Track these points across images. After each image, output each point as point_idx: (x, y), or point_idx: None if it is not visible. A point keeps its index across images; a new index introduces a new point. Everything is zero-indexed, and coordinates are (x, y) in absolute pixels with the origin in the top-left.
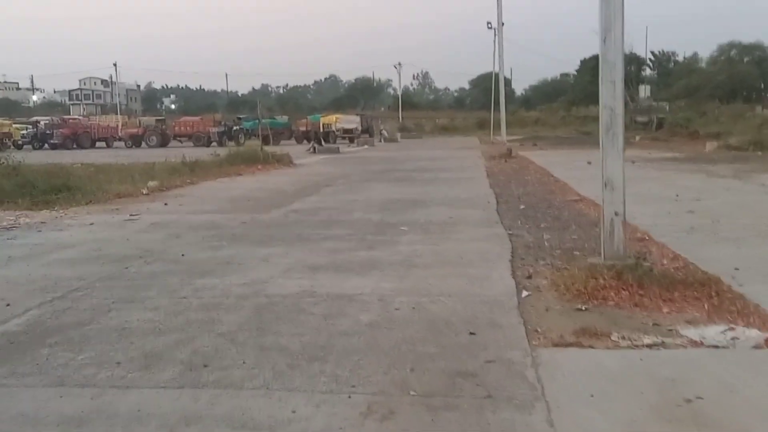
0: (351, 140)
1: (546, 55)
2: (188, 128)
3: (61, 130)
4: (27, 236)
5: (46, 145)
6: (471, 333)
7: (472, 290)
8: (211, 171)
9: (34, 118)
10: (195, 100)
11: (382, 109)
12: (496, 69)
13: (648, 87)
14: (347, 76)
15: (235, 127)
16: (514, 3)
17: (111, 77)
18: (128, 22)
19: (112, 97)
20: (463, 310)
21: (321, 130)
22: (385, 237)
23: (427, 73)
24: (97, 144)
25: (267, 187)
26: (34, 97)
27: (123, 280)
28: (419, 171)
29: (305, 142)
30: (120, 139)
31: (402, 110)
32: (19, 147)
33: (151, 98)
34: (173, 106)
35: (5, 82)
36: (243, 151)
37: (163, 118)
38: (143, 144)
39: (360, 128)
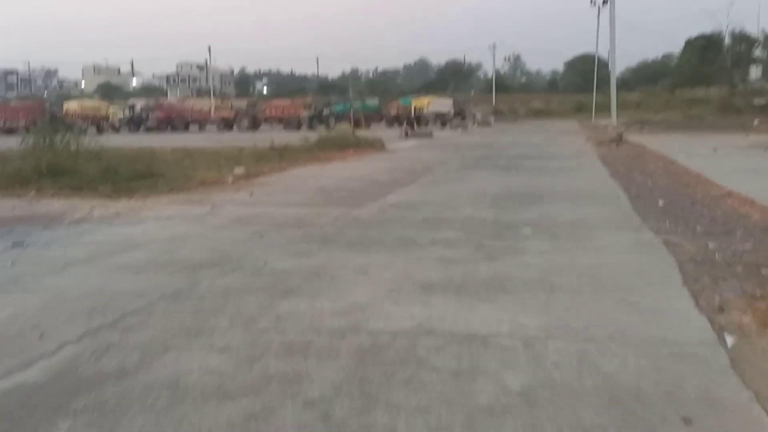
0: (443, 124)
1: (648, 33)
2: (279, 112)
3: (155, 113)
4: (96, 231)
5: (142, 128)
6: (684, 420)
7: (650, 332)
8: (301, 156)
9: (131, 101)
10: (286, 84)
11: (472, 92)
12: (601, 49)
13: (761, 67)
14: (437, 59)
15: (325, 111)
16: None
17: (206, 62)
18: (223, 11)
19: (206, 81)
20: (653, 370)
21: (413, 113)
22: (505, 242)
23: (519, 55)
24: (191, 127)
25: (359, 175)
26: (134, 82)
27: (191, 299)
28: (523, 158)
29: (396, 125)
30: (212, 123)
31: (494, 93)
32: (116, 129)
33: (244, 82)
34: (265, 90)
35: (107, 66)
36: (334, 136)
37: (254, 101)
38: (234, 127)
39: (453, 112)
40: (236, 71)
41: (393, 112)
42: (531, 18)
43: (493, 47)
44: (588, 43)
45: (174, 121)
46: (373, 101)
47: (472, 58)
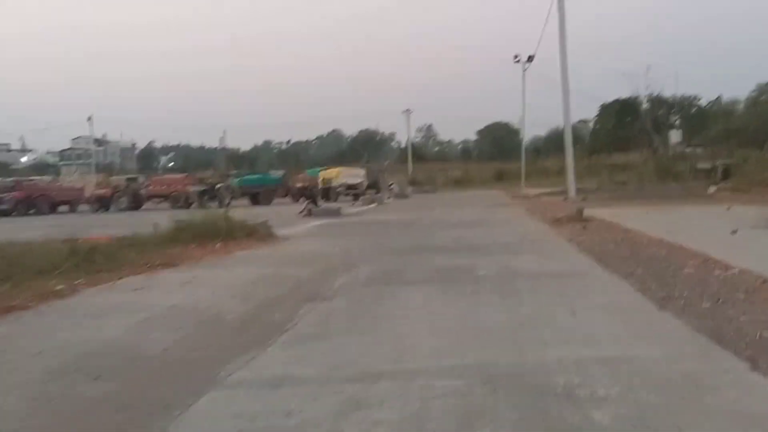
0: (356, 197)
1: (557, 100)
2: (164, 187)
3: (12, 194)
4: None
5: None
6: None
7: None
8: (128, 259)
9: None
10: (195, 158)
11: (386, 162)
12: (514, 115)
13: (680, 132)
14: (351, 129)
15: (219, 185)
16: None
17: (104, 135)
18: (138, 82)
19: (105, 156)
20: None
21: (320, 186)
22: None
23: (431, 125)
24: (60, 208)
25: (190, 307)
26: (24, 159)
27: None
28: (467, 251)
29: (303, 200)
30: (88, 203)
31: (410, 162)
32: None
33: (147, 157)
34: (171, 164)
35: None
36: (199, 222)
37: (134, 177)
38: (111, 207)
39: (366, 183)
40: (143, 146)
41: (299, 184)
42: (440, 88)
43: (407, 113)
44: (499, 111)
45: (37, 202)
46: (277, 173)
47: (385, 128)
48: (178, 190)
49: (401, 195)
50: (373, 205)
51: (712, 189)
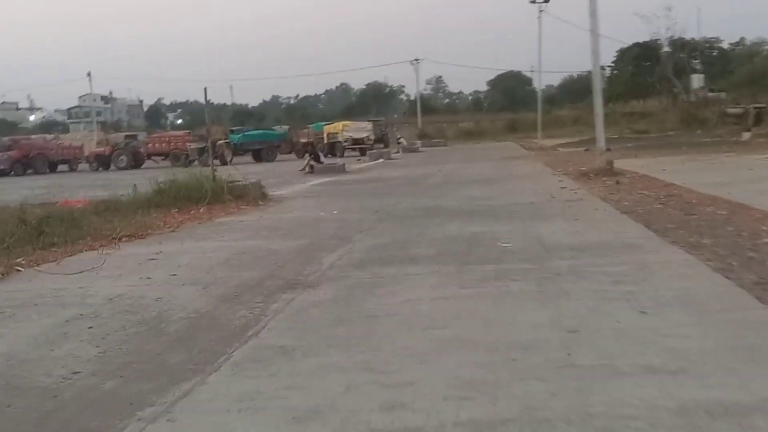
0: (362, 152)
1: (572, 47)
2: (164, 145)
3: (9, 152)
4: None
5: None
6: None
7: None
8: (92, 228)
9: None
10: (202, 114)
11: (396, 116)
12: (528, 64)
13: (702, 77)
14: (359, 83)
15: (219, 141)
16: None
17: (110, 93)
18: (144, 37)
19: (112, 114)
20: None
21: (326, 140)
22: None
23: (440, 77)
24: (60, 167)
25: (135, 299)
26: (32, 117)
27: None
28: (485, 215)
29: (307, 156)
30: (87, 161)
31: (419, 114)
32: None
33: (155, 114)
34: (179, 121)
35: (3, 102)
36: (184, 182)
37: (134, 134)
38: (111, 166)
39: (373, 137)
40: (152, 102)
41: (304, 140)
42: (450, 37)
43: (416, 62)
44: (511, 61)
45: (34, 161)
46: (282, 128)
47: (393, 81)
48: (179, 148)
49: (410, 149)
50: (380, 161)
51: (746, 136)
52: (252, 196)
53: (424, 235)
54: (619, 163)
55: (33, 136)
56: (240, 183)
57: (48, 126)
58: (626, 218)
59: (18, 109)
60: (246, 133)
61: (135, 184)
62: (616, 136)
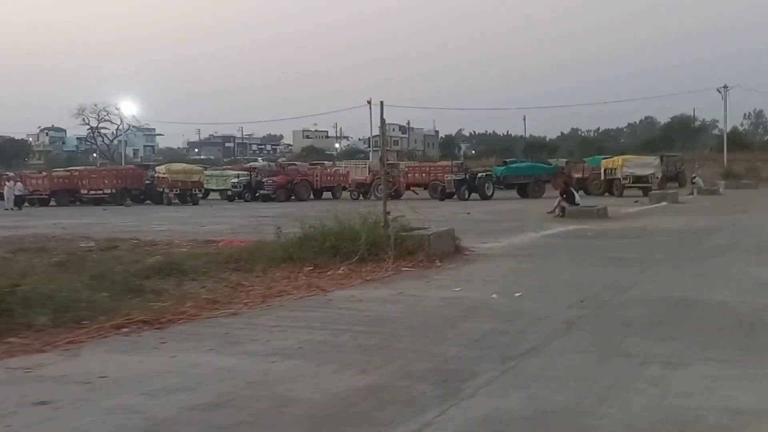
0: (645, 192)
1: None
2: (423, 175)
3: (273, 178)
4: None
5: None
6: None
7: None
8: (168, 295)
9: (251, 164)
10: (493, 144)
11: (706, 152)
12: None
13: None
14: (665, 117)
15: (480, 174)
16: None
17: (408, 122)
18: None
19: (408, 143)
20: None
21: (603, 177)
22: None
23: (761, 111)
24: (325, 194)
25: None
26: (337, 145)
27: None
28: None
29: (558, 197)
30: (349, 189)
31: (727, 152)
32: (230, 199)
33: (449, 144)
34: (473, 152)
35: (316, 130)
36: (336, 229)
37: (395, 163)
38: (371, 195)
39: (659, 174)
40: (453, 133)
41: (578, 175)
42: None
43: (724, 90)
44: None
45: (298, 188)
46: (559, 161)
47: (705, 115)
48: (438, 179)
49: (708, 190)
50: (661, 204)
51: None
52: (427, 252)
53: (627, 400)
54: None
55: (297, 163)
56: (417, 232)
57: (351, 153)
58: None
59: (327, 137)
60: (511, 165)
61: (279, 227)
62: None
